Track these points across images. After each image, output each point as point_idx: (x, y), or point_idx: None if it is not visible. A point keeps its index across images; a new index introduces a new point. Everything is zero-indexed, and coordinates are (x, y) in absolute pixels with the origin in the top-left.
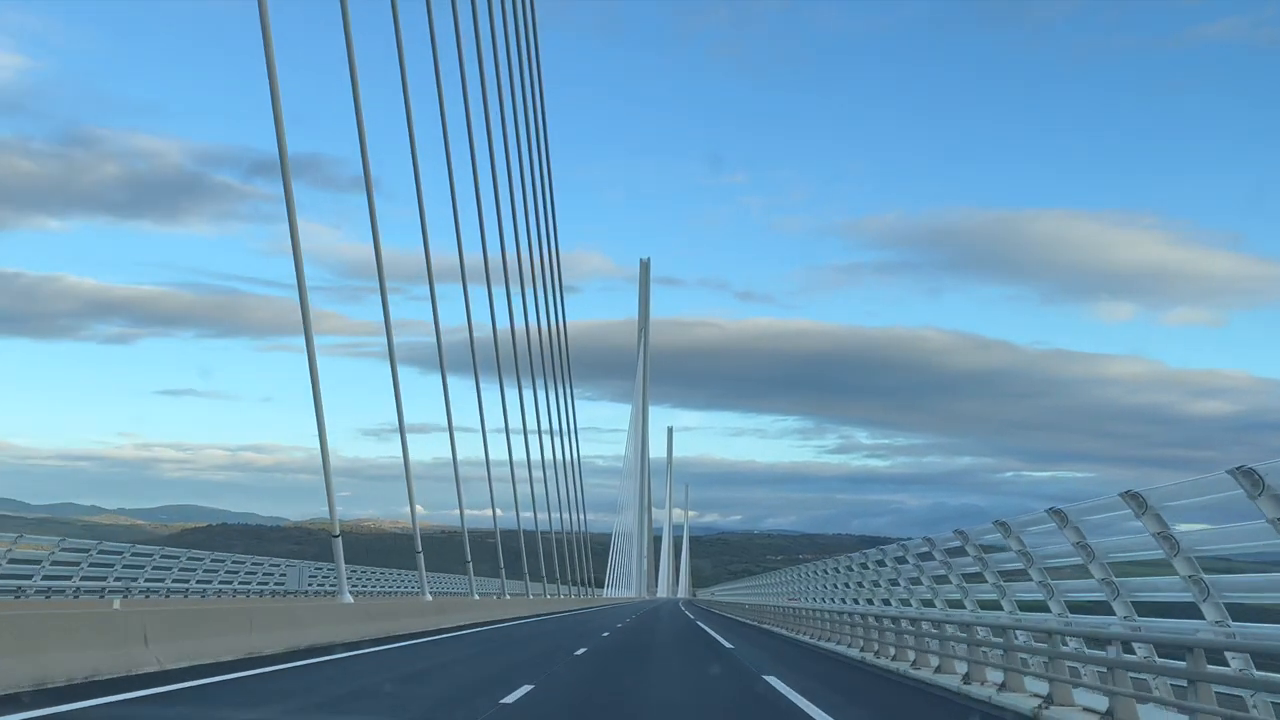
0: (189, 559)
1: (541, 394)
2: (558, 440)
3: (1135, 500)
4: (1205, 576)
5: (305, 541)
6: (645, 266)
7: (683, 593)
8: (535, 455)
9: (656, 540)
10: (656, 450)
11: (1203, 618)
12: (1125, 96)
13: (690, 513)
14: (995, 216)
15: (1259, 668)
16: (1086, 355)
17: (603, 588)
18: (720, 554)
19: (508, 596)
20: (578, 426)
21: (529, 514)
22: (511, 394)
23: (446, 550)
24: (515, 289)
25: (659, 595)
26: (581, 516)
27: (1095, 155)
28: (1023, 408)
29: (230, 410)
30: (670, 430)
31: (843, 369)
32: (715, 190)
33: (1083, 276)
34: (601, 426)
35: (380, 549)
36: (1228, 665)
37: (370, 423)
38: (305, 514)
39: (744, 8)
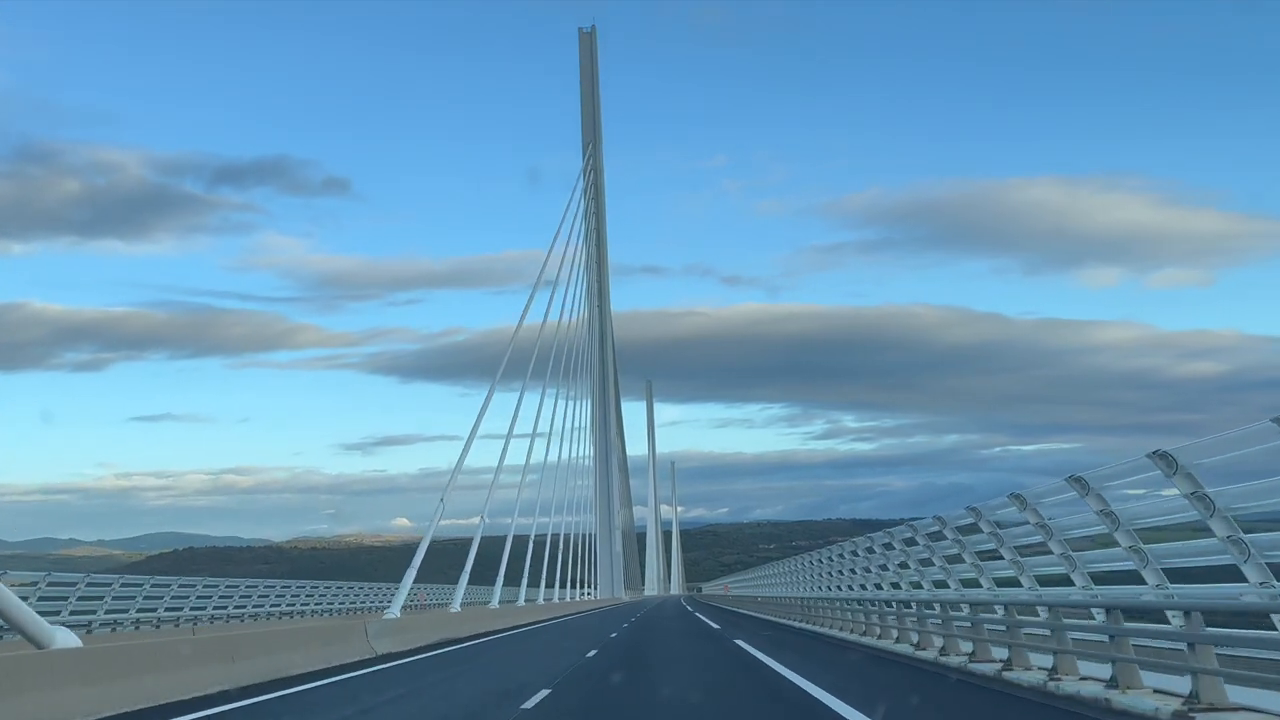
0: (153, 585)
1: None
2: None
3: (1165, 461)
4: (1244, 536)
5: (275, 561)
6: (589, 39)
7: (677, 589)
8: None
9: (640, 537)
10: (633, 446)
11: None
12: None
13: (678, 508)
14: (976, 187)
15: None
16: (1076, 323)
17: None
18: (711, 546)
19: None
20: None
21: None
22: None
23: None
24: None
25: (648, 594)
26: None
27: (1075, 120)
28: (1012, 381)
29: (209, 433)
30: (649, 384)
31: (832, 351)
32: (694, 175)
33: (1069, 243)
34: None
35: (358, 565)
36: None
37: (352, 436)
38: (289, 534)
39: None
